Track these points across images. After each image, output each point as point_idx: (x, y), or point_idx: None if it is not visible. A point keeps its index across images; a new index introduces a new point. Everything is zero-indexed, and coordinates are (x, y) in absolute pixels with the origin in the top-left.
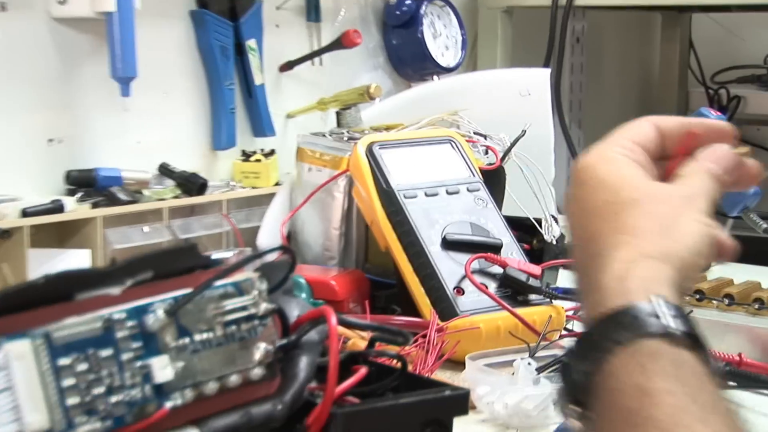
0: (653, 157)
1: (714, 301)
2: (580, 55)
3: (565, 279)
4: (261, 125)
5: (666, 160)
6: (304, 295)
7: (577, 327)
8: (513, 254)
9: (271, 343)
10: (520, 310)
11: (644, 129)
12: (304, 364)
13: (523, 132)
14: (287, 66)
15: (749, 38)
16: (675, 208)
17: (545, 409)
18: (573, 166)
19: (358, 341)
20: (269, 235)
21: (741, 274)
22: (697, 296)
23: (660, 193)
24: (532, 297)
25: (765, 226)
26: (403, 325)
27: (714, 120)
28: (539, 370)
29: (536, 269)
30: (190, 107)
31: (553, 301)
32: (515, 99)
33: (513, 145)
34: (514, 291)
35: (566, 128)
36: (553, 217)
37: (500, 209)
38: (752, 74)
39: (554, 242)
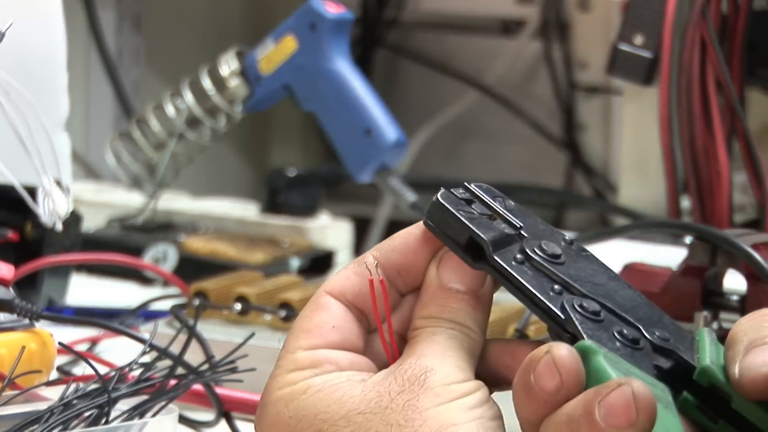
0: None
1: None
2: None
3: (83, 291)
4: None
5: None
6: None
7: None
8: None
9: None
10: None
11: (331, 314)
12: None
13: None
14: None
15: None
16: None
17: None
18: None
19: None
20: None
21: None
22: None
23: (372, 405)
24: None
25: (412, 198)
26: None
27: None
28: None
29: (6, 271)
30: None
31: (35, 323)
32: None
33: None
34: None
35: (97, 22)
36: (59, 184)
37: None
38: None
39: (60, 228)
